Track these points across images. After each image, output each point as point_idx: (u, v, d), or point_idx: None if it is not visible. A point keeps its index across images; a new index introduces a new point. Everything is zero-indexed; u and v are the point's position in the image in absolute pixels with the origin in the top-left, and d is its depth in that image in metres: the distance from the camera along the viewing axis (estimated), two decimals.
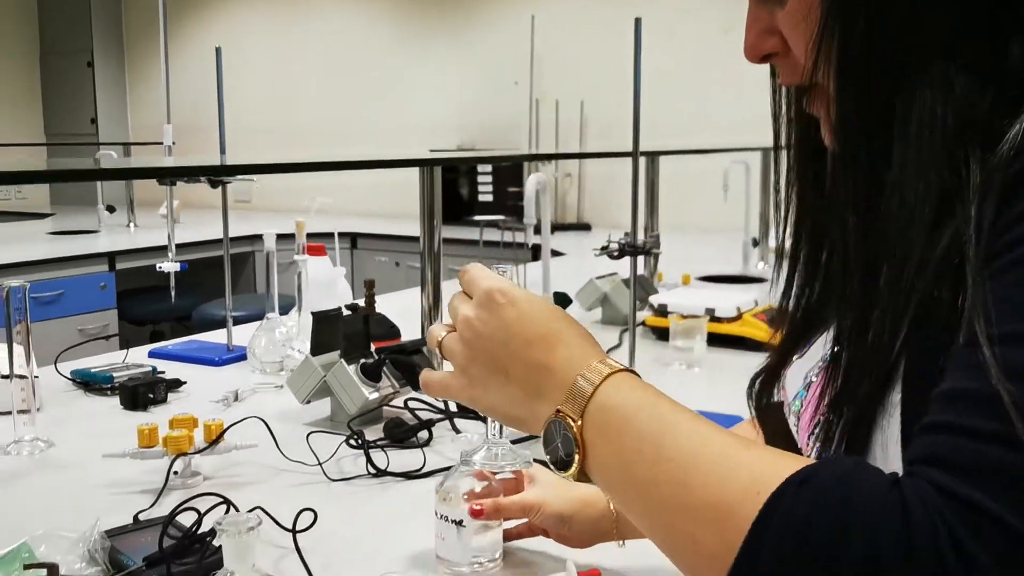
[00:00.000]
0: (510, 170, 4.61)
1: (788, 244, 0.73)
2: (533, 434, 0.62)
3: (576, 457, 0.58)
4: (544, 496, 0.99)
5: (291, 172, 2.97)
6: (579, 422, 0.58)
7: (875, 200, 0.57)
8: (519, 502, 0.99)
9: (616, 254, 1.43)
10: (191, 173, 1.50)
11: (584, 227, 4.72)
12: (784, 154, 0.72)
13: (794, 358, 0.75)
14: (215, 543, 0.98)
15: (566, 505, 0.98)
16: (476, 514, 0.98)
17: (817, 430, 0.62)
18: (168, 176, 1.85)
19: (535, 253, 3.37)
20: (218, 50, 1.93)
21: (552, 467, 0.60)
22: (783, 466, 0.49)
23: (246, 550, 0.77)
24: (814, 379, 0.68)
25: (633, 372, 0.60)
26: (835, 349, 0.61)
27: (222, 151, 1.99)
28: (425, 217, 1.74)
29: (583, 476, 0.58)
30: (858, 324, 0.58)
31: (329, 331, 1.52)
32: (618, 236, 1.57)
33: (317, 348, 1.52)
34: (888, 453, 0.55)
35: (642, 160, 1.51)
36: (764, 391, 0.78)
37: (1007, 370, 0.46)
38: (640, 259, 1.56)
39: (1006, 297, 0.48)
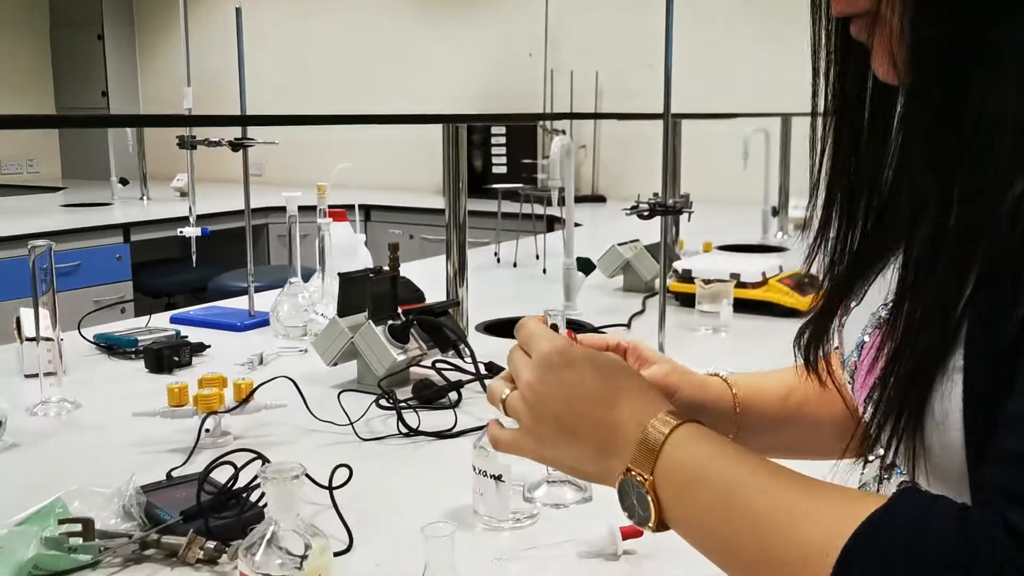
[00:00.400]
0: (524, 141, 4.58)
1: (824, 187, 0.69)
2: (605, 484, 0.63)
3: (653, 513, 0.58)
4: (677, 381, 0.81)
5: (315, 124, 2.92)
6: (651, 479, 0.58)
7: (952, 137, 0.54)
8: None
9: (646, 214, 1.41)
10: (214, 123, 1.48)
11: (599, 199, 4.70)
12: (823, 88, 0.69)
13: (851, 305, 0.72)
14: (256, 496, 0.97)
15: (697, 393, 0.81)
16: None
17: (874, 394, 0.59)
18: (191, 124, 1.83)
19: (550, 225, 3.35)
20: (238, 10, 1.90)
21: (631, 521, 0.61)
22: (853, 515, 0.50)
23: (291, 499, 0.76)
24: (867, 338, 0.65)
25: (698, 422, 0.61)
26: (893, 304, 0.59)
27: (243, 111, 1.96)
28: (449, 176, 1.71)
29: (663, 527, 0.59)
30: (922, 273, 0.55)
31: (356, 293, 1.50)
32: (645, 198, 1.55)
33: (344, 310, 1.50)
34: (949, 423, 0.53)
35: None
36: (813, 342, 0.75)
37: None
38: (664, 222, 1.53)
39: None
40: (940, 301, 0.53)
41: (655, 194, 1.50)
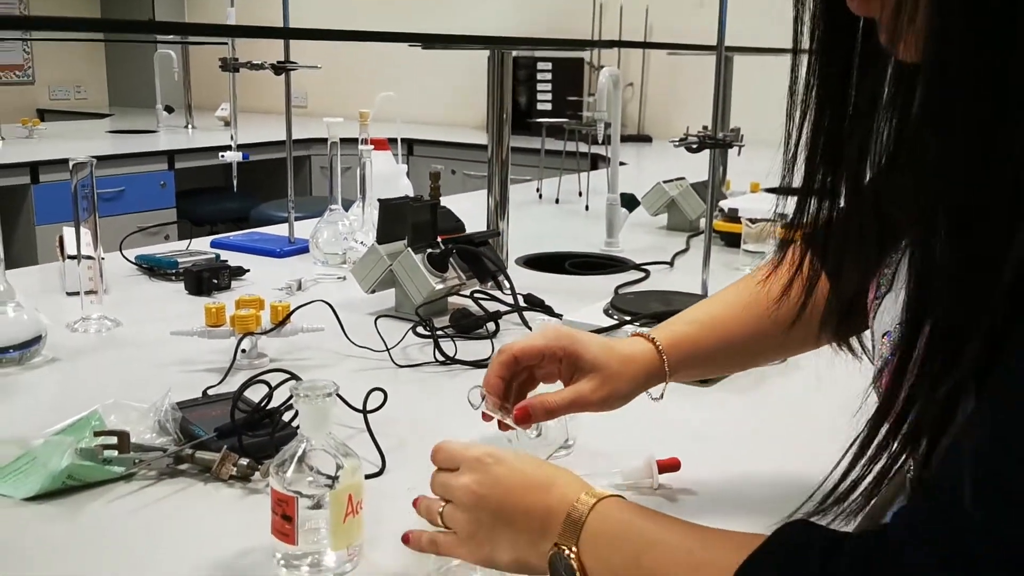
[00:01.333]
0: (570, 77, 4.49)
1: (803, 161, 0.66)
2: None
3: None
4: (602, 392, 0.85)
5: (357, 40, 2.86)
6: (576, 550, 0.64)
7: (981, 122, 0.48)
8: (572, 396, 0.85)
9: (695, 146, 1.37)
10: (256, 35, 1.45)
11: (645, 139, 4.62)
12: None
13: (882, 291, 0.69)
14: (289, 417, 0.96)
15: (628, 390, 0.87)
16: (521, 418, 0.84)
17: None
18: (233, 35, 1.80)
19: (594, 163, 3.30)
20: None
21: None
22: (734, 555, 0.56)
23: (323, 417, 0.75)
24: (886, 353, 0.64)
25: (619, 496, 0.66)
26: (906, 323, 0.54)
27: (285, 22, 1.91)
28: (493, 107, 1.68)
29: None
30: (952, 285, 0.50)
31: (396, 220, 1.48)
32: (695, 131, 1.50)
33: (383, 237, 1.48)
34: None
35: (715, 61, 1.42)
36: (841, 331, 0.76)
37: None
38: (713, 156, 1.49)
39: None
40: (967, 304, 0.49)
41: (704, 127, 1.45)
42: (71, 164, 1.34)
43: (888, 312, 0.67)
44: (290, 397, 0.93)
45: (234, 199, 4.16)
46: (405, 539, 0.74)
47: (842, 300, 0.72)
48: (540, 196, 2.81)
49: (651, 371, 0.87)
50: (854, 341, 0.79)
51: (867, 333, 0.75)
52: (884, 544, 0.49)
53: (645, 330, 0.92)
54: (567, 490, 0.67)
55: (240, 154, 1.93)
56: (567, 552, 0.64)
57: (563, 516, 0.65)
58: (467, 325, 1.38)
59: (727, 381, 1.20)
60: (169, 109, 4.72)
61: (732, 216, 1.98)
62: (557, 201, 2.72)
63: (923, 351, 0.51)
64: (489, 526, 0.69)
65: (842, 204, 0.66)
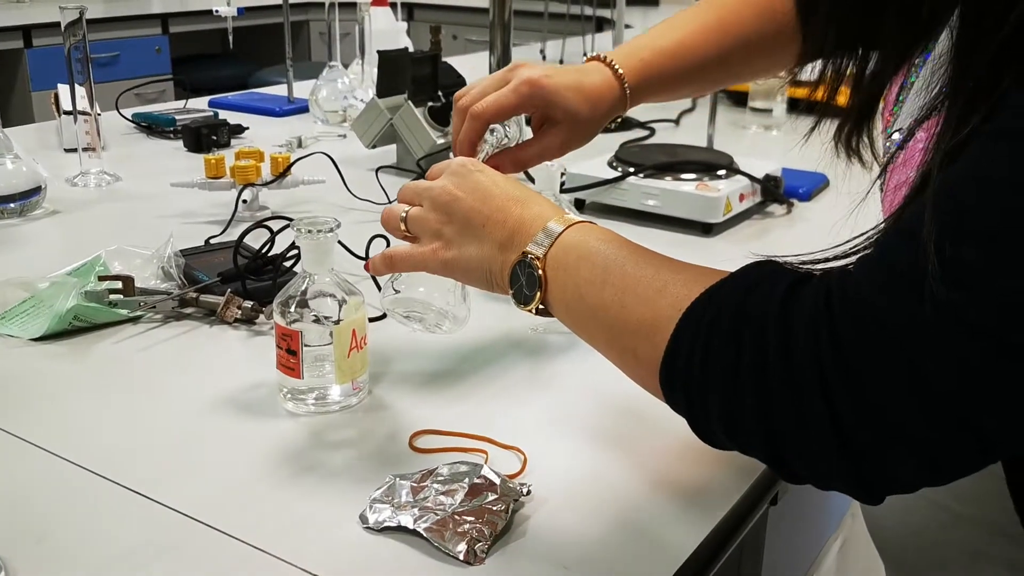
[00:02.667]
0: None
1: None
2: (498, 292, 0.66)
3: (538, 291, 0.62)
4: (569, 142, 0.85)
5: None
6: (543, 258, 0.62)
7: None
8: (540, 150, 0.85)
9: None
10: None
11: (652, 1, 4.48)
12: None
13: (909, 79, 0.66)
14: (290, 264, 0.96)
15: (594, 130, 0.86)
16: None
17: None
18: None
19: (599, 25, 3.21)
20: None
21: (514, 301, 0.64)
22: (703, 283, 0.54)
23: (325, 253, 0.74)
24: (918, 131, 0.60)
25: (594, 224, 0.64)
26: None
27: None
28: None
29: (542, 311, 0.63)
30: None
31: (395, 73, 1.45)
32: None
33: (383, 91, 1.46)
34: None
35: None
36: (854, 136, 0.70)
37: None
38: None
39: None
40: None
41: None
42: (63, 23, 1.30)
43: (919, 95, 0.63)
44: (292, 244, 0.94)
45: (232, 65, 4.08)
46: (365, 267, 0.75)
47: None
48: (544, 57, 2.75)
49: (614, 107, 0.85)
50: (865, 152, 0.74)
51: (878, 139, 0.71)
52: (845, 275, 0.48)
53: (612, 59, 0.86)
54: (544, 208, 0.65)
55: (235, 9, 1.87)
56: (534, 258, 0.62)
57: (537, 229, 0.63)
58: None
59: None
60: None
61: None
62: (561, 62, 2.66)
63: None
64: (458, 228, 0.67)
65: None
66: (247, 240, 0.98)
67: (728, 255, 1.13)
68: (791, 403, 0.48)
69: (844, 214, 0.81)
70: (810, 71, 0.66)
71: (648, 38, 0.89)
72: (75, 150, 1.41)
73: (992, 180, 0.43)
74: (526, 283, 0.63)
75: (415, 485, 0.64)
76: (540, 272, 0.62)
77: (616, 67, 0.85)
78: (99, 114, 1.42)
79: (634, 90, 0.86)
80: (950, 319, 0.43)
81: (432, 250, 0.68)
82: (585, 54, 2.69)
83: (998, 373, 0.43)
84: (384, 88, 1.45)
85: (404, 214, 0.71)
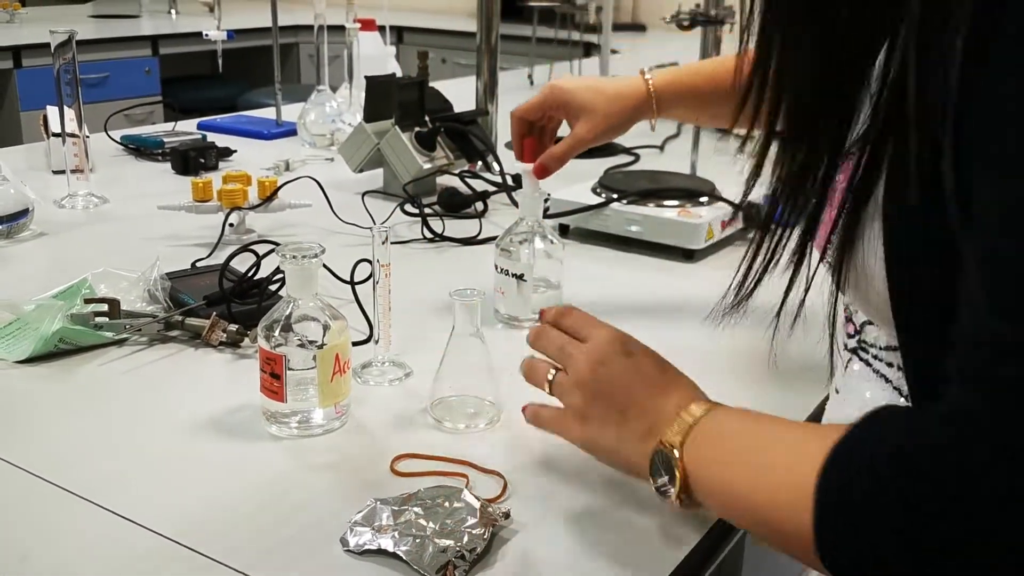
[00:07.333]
0: None
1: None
2: (637, 478, 0.65)
3: (678, 478, 0.60)
4: (596, 129, 1.01)
5: None
6: (680, 448, 0.60)
7: None
8: (572, 140, 1.02)
9: (687, 23, 1.35)
10: None
11: (639, 28, 4.53)
12: None
13: None
14: (277, 287, 0.97)
15: (619, 123, 1.02)
16: (539, 172, 1.01)
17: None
18: None
19: (587, 50, 3.24)
20: None
21: (657, 493, 0.62)
22: (827, 444, 0.50)
23: (309, 278, 0.76)
24: None
25: (739, 409, 0.62)
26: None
27: None
28: None
29: (686, 499, 0.60)
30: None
31: (383, 98, 1.46)
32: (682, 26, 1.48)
33: (370, 116, 1.47)
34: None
35: None
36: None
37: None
38: (705, 35, 1.47)
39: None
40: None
41: (697, 4, 1.43)
42: (52, 45, 1.32)
43: None
44: (278, 269, 0.95)
45: (221, 87, 4.10)
46: (525, 409, 0.73)
47: None
48: (531, 82, 2.78)
49: (640, 105, 1.00)
50: None
51: None
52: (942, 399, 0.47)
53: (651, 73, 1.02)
54: (686, 394, 0.64)
55: (224, 32, 1.89)
56: (671, 448, 0.60)
57: (674, 418, 0.62)
58: (455, 204, 1.38)
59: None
60: None
61: None
62: None
63: None
64: (601, 411, 0.66)
65: None
66: (233, 264, 0.99)
67: (710, 281, 1.15)
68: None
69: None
70: None
71: (693, 63, 1.05)
72: (63, 172, 1.42)
73: None
74: (664, 471, 0.61)
75: (396, 509, 0.65)
76: (678, 466, 0.60)
77: (646, 74, 1.00)
78: (87, 136, 1.44)
79: (662, 96, 0.99)
80: None
81: (574, 423, 0.68)
82: None
83: None
84: (371, 113, 1.47)
85: (550, 376, 0.70)
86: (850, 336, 0.69)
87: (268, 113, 2.04)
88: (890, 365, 0.65)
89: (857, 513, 0.47)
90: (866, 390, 0.66)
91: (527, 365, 0.73)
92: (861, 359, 0.67)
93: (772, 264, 0.65)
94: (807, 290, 0.64)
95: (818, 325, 0.71)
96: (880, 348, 0.65)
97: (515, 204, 1.41)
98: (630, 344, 0.69)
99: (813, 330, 0.71)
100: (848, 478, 0.48)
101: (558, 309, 0.74)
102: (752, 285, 0.66)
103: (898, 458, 0.47)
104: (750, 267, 0.66)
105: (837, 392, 0.72)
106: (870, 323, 0.66)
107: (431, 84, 1.60)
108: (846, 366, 0.70)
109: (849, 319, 0.69)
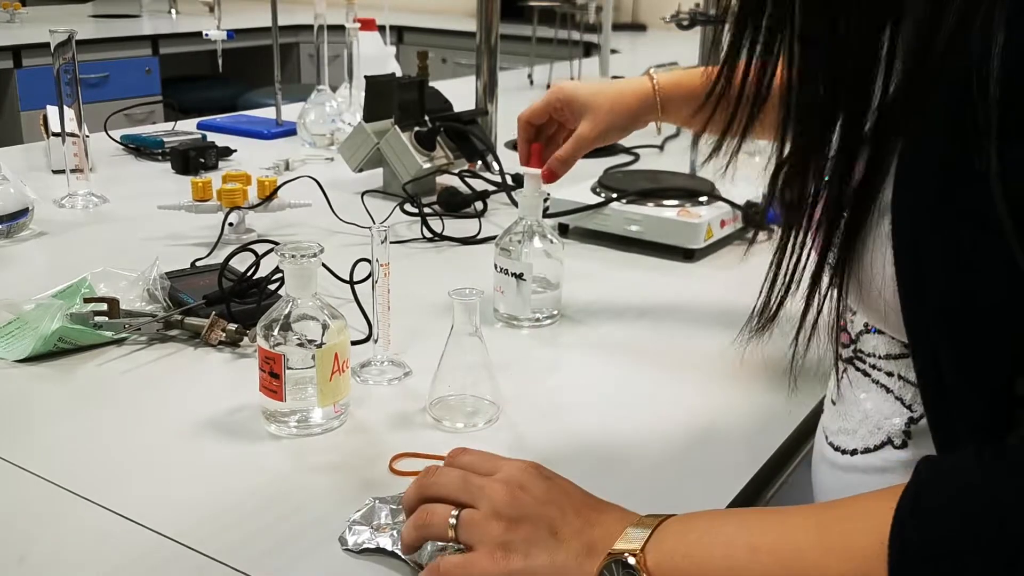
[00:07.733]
0: None
1: None
2: None
3: None
4: (598, 128, 1.02)
5: None
6: (641, 554, 0.53)
7: None
8: (576, 141, 1.04)
9: (687, 23, 1.35)
10: None
11: (639, 27, 4.53)
12: None
13: None
14: (276, 286, 0.97)
15: (623, 122, 1.03)
16: (547, 177, 1.03)
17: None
18: None
19: (587, 50, 3.24)
20: None
21: None
22: (885, 510, 0.46)
23: (308, 278, 0.76)
24: None
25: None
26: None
27: None
28: None
29: None
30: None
31: (382, 98, 1.46)
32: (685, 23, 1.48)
33: (370, 115, 1.47)
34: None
35: None
36: (789, 183, 0.72)
37: None
38: (704, 34, 1.47)
39: None
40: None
41: (697, 4, 1.43)
42: (52, 45, 1.32)
43: None
44: (277, 268, 0.95)
45: (221, 87, 4.10)
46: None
47: None
48: (531, 82, 2.78)
49: (643, 105, 1.01)
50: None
51: None
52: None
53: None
54: (622, 513, 0.59)
55: (225, 32, 1.89)
56: (632, 555, 0.53)
57: (620, 533, 0.55)
58: (455, 204, 1.38)
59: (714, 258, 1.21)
60: None
61: None
62: (548, 87, 2.69)
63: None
64: (528, 534, 0.57)
65: None
66: (232, 263, 0.99)
67: (710, 281, 1.16)
68: None
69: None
70: None
71: (699, 68, 1.07)
72: (63, 171, 1.42)
73: None
74: None
75: (395, 508, 0.65)
76: (640, 565, 0.53)
77: (652, 75, 1.00)
78: (87, 136, 1.44)
79: (666, 98, 1.00)
80: None
81: (492, 558, 0.56)
82: (572, 79, 2.72)
83: None
84: (371, 113, 1.47)
85: (454, 519, 0.59)
86: (844, 346, 0.67)
87: (268, 113, 2.04)
88: (890, 375, 0.63)
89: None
90: (865, 401, 0.65)
91: (420, 512, 0.61)
92: (858, 369, 0.66)
93: (795, 287, 0.62)
94: (820, 310, 0.60)
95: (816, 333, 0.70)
96: (879, 357, 0.63)
97: (515, 204, 1.40)
98: (545, 470, 0.62)
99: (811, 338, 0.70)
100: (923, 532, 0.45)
101: (450, 452, 0.66)
102: (775, 308, 0.63)
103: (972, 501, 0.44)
104: (771, 289, 0.63)
105: (833, 404, 0.70)
106: (867, 332, 0.65)
107: (431, 84, 1.61)
108: (840, 377, 0.68)
109: (844, 329, 0.67)
